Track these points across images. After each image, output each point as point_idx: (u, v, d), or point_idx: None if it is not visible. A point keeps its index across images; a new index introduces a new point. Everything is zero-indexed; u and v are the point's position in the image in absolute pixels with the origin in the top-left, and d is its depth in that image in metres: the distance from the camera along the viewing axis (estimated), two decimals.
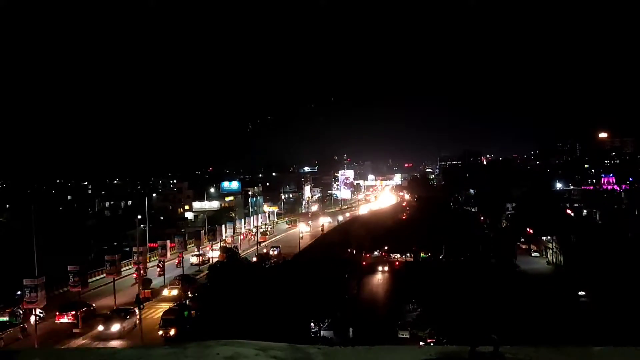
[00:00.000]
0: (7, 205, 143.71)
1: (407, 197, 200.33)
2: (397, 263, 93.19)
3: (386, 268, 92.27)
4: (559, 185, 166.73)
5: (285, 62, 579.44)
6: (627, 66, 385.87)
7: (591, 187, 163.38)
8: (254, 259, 60.24)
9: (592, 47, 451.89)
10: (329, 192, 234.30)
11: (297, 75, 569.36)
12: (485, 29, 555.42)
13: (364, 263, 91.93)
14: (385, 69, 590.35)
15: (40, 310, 40.85)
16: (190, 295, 50.51)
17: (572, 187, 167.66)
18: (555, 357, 2.54)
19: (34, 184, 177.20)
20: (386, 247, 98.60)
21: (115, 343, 37.86)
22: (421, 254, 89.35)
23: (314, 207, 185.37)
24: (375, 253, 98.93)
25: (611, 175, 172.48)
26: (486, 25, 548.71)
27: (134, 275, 56.59)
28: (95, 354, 2.56)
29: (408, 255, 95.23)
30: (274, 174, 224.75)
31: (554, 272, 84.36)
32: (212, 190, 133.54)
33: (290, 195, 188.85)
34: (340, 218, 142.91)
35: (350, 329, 60.64)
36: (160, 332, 40.08)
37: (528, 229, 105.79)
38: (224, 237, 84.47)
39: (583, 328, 39.46)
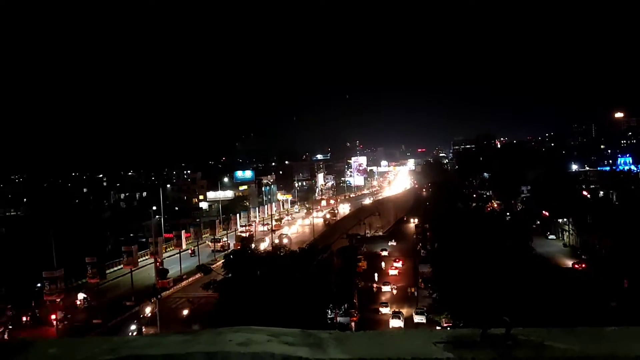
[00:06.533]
0: (24, 199, 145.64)
1: (421, 182, 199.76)
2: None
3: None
4: (574, 167, 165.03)
5: (298, 48, 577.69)
6: None
7: (607, 168, 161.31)
8: (269, 247, 60.47)
9: (607, 26, 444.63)
10: (342, 179, 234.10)
11: (309, 61, 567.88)
12: (499, 10, 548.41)
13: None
14: (398, 53, 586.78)
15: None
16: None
17: (587, 168, 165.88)
18: (567, 338, 2.51)
19: (50, 177, 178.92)
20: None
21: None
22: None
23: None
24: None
25: (628, 155, 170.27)
26: (500, 6, 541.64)
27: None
28: (108, 342, 2.57)
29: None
30: (286, 162, 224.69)
31: (570, 254, 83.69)
32: (225, 179, 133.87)
33: (304, 183, 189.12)
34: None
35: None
36: None
37: (544, 212, 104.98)
38: (238, 227, 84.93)
39: (598, 312, 39.20)
